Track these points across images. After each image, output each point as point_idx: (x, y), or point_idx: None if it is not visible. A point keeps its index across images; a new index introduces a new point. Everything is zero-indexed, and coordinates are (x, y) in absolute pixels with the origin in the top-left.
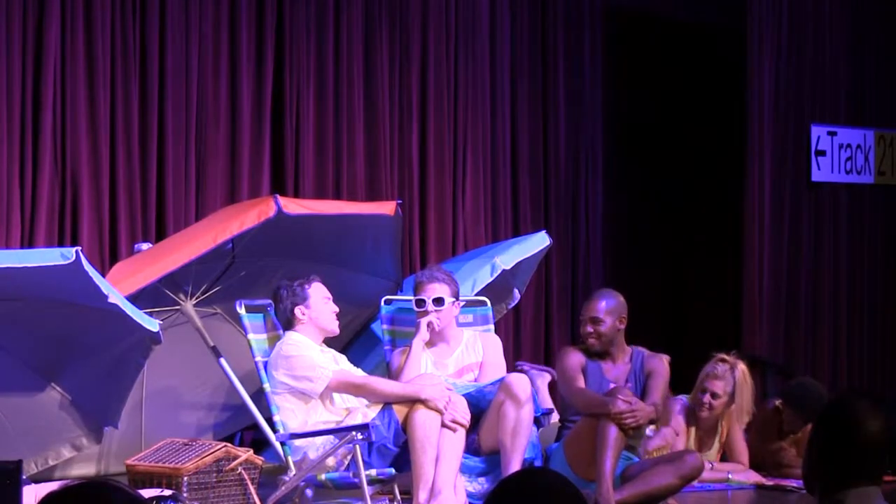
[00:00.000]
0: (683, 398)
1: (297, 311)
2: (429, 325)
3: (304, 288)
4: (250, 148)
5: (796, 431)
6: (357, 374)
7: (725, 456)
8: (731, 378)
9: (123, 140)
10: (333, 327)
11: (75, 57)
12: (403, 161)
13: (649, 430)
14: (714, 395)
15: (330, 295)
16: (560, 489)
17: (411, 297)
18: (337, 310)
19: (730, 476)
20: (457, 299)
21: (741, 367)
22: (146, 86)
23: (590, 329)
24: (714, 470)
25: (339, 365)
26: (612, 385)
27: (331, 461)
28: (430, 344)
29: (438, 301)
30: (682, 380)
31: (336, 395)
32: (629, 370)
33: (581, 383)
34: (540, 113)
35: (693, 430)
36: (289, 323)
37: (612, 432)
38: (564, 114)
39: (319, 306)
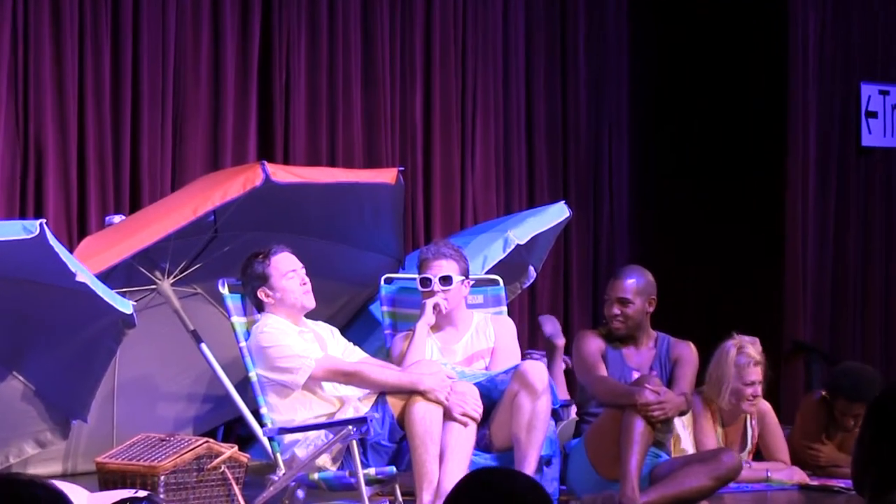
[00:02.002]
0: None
1: (259, 294)
2: (435, 306)
3: (263, 265)
4: (235, 109)
5: (848, 423)
6: (355, 356)
7: (760, 453)
8: (762, 357)
9: (93, 100)
10: (306, 302)
11: (39, 5)
12: (405, 124)
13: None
14: (759, 383)
15: (297, 265)
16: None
17: (415, 276)
18: (307, 282)
19: (769, 475)
20: (466, 278)
21: (757, 342)
22: (118, 39)
23: (616, 311)
24: (752, 469)
25: (326, 344)
26: (634, 373)
27: (324, 459)
28: (436, 328)
29: (446, 280)
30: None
31: (327, 384)
32: (654, 357)
33: (603, 371)
34: (558, 70)
35: (721, 429)
36: (259, 306)
37: (639, 426)
38: (586, 71)
39: (284, 284)
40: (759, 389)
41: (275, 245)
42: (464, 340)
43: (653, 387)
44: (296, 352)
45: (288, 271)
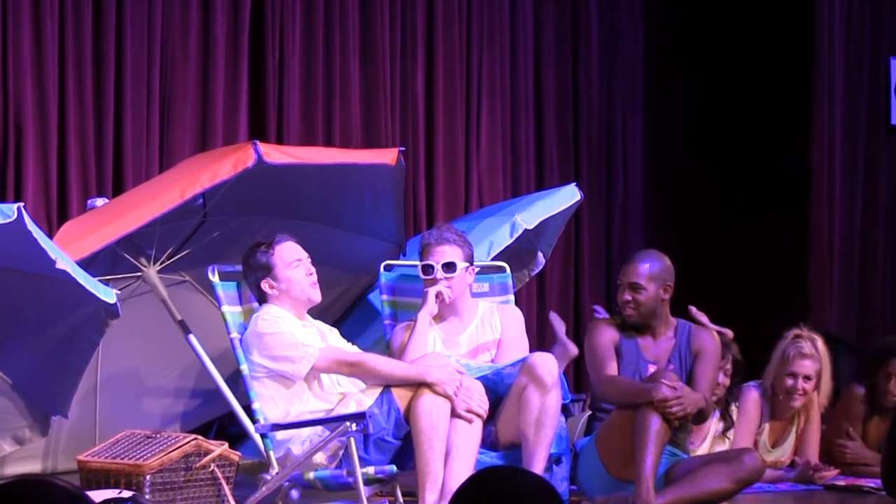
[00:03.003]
0: (755, 385)
1: (263, 285)
2: (438, 295)
3: (267, 255)
4: (225, 86)
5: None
6: (351, 350)
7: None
8: (818, 355)
9: (74, 76)
10: (312, 295)
11: None
12: (406, 101)
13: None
14: (807, 378)
15: (302, 255)
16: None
17: (416, 262)
18: (313, 271)
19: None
20: (471, 264)
21: (820, 341)
22: (101, 11)
23: (628, 297)
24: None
25: (327, 341)
26: (651, 366)
27: (320, 457)
28: (438, 318)
29: (449, 266)
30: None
31: (326, 378)
32: (672, 347)
33: (613, 369)
34: (569, 44)
35: (768, 424)
36: (261, 298)
37: (655, 423)
38: (598, 44)
39: (288, 274)
40: (802, 384)
41: (278, 234)
42: (468, 331)
43: (670, 382)
44: (299, 340)
45: (293, 261)
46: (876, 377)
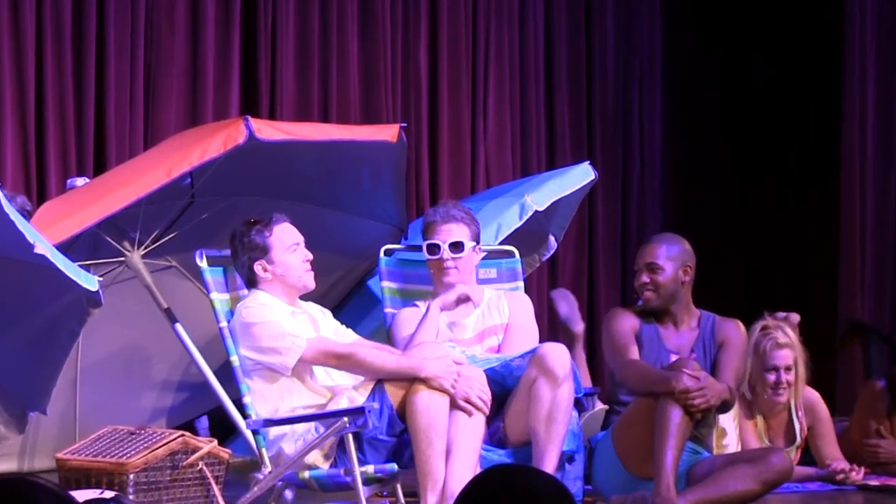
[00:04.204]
0: None
1: (256, 267)
2: (463, 298)
3: (263, 235)
4: (215, 58)
5: None
6: (347, 338)
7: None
8: (792, 342)
9: (53, 48)
10: (307, 282)
11: None
12: (408, 75)
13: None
14: (788, 369)
15: (299, 238)
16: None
17: (420, 244)
18: (310, 257)
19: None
20: (477, 244)
21: (788, 327)
22: None
23: (645, 279)
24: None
25: (318, 327)
26: (672, 356)
27: (315, 455)
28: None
29: (457, 246)
30: None
31: (319, 371)
32: (696, 337)
33: (634, 354)
34: (582, 12)
35: (757, 421)
36: (250, 281)
37: (675, 416)
38: (613, 13)
39: (286, 259)
40: (784, 376)
41: (274, 213)
42: (475, 315)
43: (692, 372)
44: (286, 330)
45: (291, 244)
46: (894, 369)
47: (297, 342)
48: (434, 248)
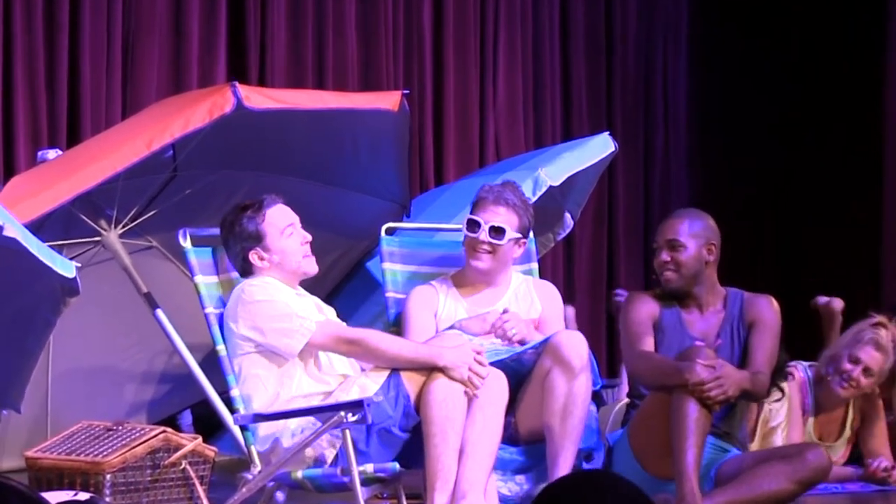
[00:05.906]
0: (802, 366)
1: (251, 257)
2: (499, 330)
3: (255, 222)
4: (200, 19)
5: None
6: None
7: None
8: (891, 355)
9: (22, 8)
10: (307, 268)
11: None
12: (411, 38)
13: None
14: (867, 371)
15: (294, 218)
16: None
17: (423, 225)
18: (308, 238)
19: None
20: (524, 237)
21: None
22: None
23: (665, 257)
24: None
25: (325, 314)
26: (697, 343)
27: (310, 453)
28: (470, 290)
29: (497, 231)
30: (794, 340)
31: (324, 357)
32: (723, 319)
33: (649, 345)
34: None
35: (810, 417)
36: (245, 271)
37: (692, 411)
38: None
39: (282, 245)
40: (859, 374)
41: (265, 195)
42: (501, 304)
43: (705, 361)
44: (294, 310)
45: (286, 226)
46: None
47: (306, 324)
48: (474, 226)
